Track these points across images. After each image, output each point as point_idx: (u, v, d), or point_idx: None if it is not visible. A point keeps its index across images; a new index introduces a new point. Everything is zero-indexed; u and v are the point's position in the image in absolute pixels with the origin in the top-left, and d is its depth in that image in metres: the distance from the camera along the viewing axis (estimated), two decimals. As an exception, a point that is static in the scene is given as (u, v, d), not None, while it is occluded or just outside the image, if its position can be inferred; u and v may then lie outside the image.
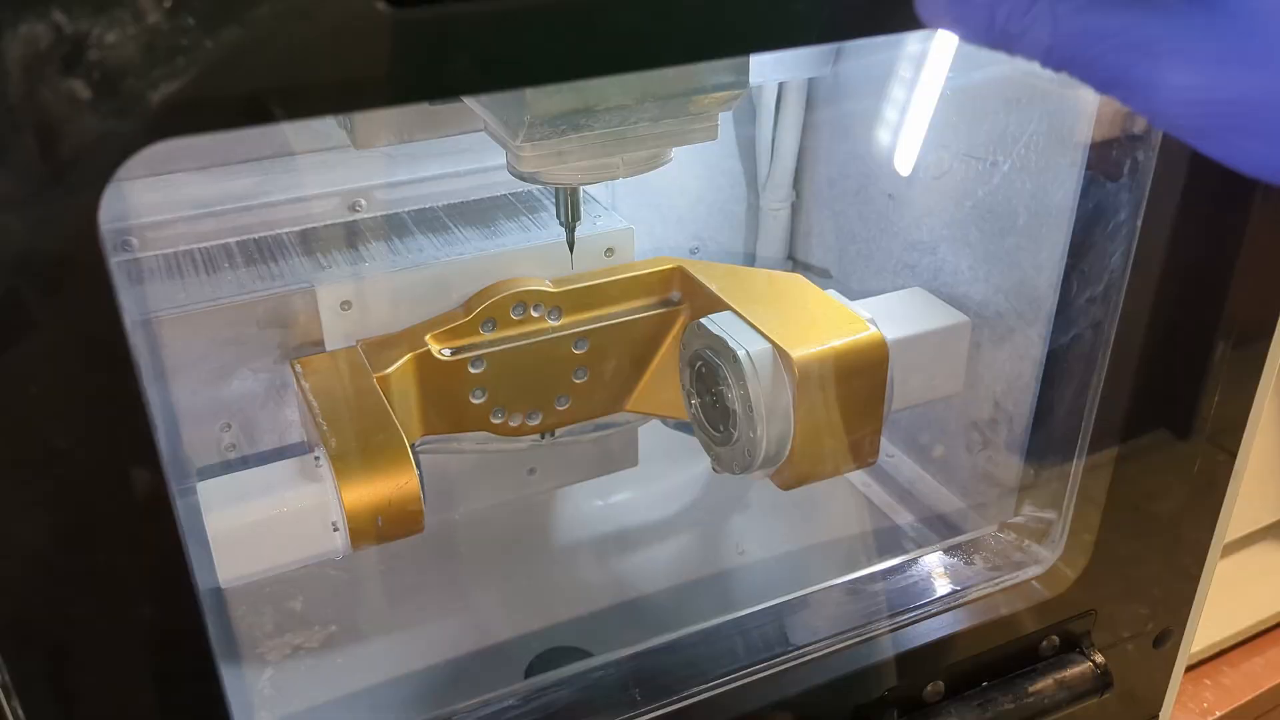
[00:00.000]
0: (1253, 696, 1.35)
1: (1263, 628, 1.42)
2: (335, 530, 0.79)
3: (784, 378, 0.88)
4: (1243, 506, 1.19)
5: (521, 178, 0.71)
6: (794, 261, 1.23)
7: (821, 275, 1.19)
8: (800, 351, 0.87)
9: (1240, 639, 1.41)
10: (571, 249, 0.81)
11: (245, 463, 0.95)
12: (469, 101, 0.71)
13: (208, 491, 0.78)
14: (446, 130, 0.82)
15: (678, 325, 1.01)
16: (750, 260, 1.24)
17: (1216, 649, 1.39)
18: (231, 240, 0.97)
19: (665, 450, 1.16)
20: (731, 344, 0.88)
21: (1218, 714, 1.33)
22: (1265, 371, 0.75)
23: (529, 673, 1.07)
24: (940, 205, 1.00)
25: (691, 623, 1.03)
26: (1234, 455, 0.69)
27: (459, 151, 1.04)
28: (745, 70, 0.66)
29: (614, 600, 1.15)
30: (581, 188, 0.83)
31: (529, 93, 0.60)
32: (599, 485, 1.18)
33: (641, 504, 1.20)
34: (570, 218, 0.78)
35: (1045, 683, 0.68)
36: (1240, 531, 1.43)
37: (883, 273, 1.10)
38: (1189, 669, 1.35)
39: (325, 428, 0.81)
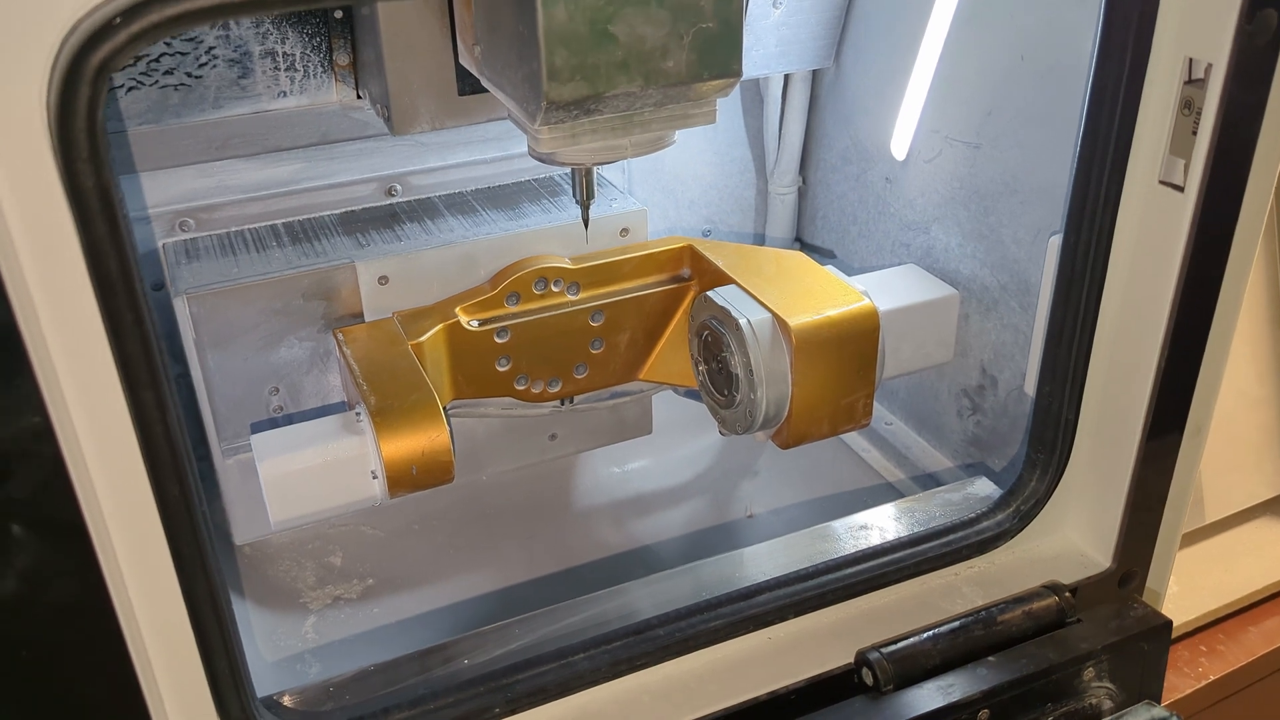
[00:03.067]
0: (1246, 663, 1.42)
1: (1257, 599, 1.49)
2: (374, 478, 0.87)
3: (783, 344, 0.96)
4: (1240, 482, 1.25)
5: (540, 159, 0.80)
6: (801, 243, 1.31)
7: (826, 255, 1.26)
8: (798, 320, 0.94)
9: (1235, 609, 1.48)
10: (586, 225, 0.89)
11: (291, 421, 1.04)
12: (494, 90, 0.79)
13: (260, 442, 0.87)
14: (475, 118, 0.90)
15: (688, 299, 1.09)
16: (760, 241, 1.32)
17: (1212, 618, 1.46)
18: (279, 222, 1.06)
19: (679, 419, 1.24)
20: (734, 313, 0.96)
21: (1212, 678, 1.40)
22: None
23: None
24: (932, 187, 1.07)
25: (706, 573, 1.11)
26: (1188, 407, 0.76)
27: (485, 140, 1.12)
28: (739, 59, 0.74)
29: (630, 559, 1.22)
30: (597, 172, 0.91)
31: (545, 81, 0.68)
32: (615, 453, 1.26)
33: (656, 471, 1.28)
34: (585, 196, 0.87)
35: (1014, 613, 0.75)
36: (1237, 507, 1.49)
37: (881, 251, 1.17)
38: (1185, 636, 1.42)
39: (365, 387, 0.90)
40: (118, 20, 0.40)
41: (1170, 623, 0.79)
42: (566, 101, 0.70)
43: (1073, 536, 0.80)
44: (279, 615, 1.09)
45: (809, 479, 1.24)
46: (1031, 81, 0.92)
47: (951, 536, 0.77)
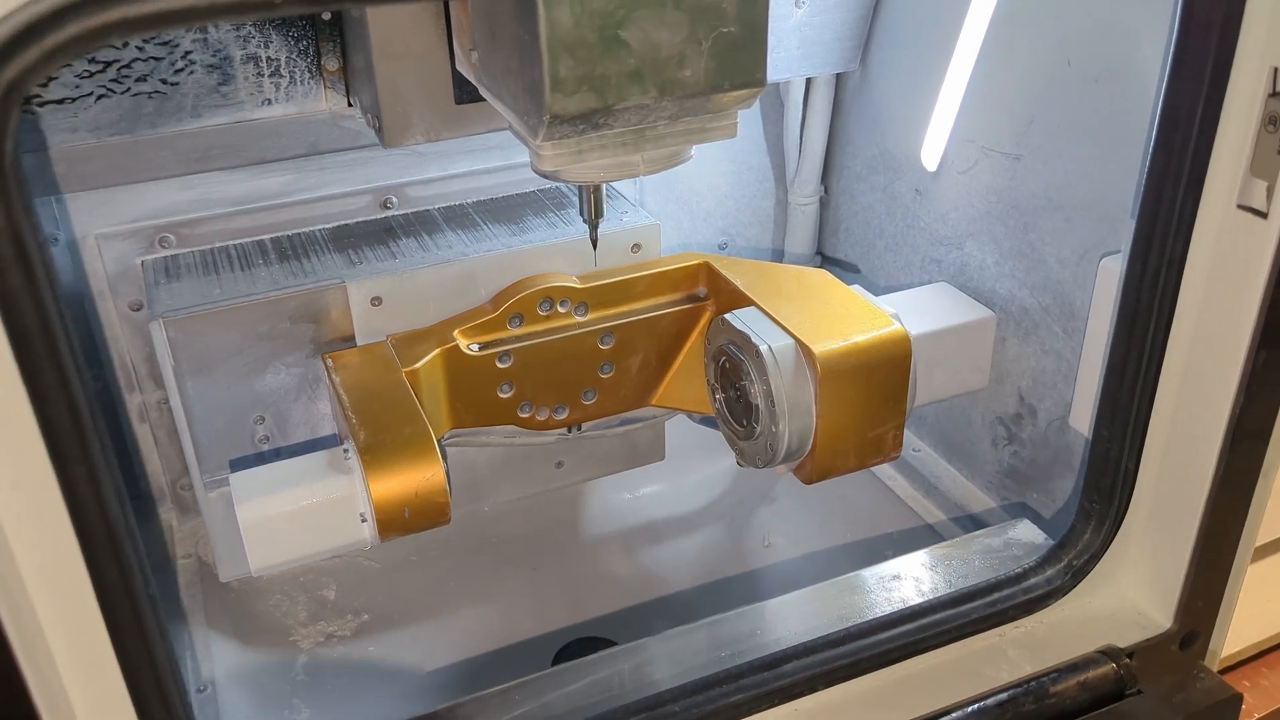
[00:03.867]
0: (1293, 698, 1.34)
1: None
2: (364, 521, 0.80)
3: (806, 373, 0.88)
4: None
5: (544, 175, 0.73)
6: (823, 257, 1.23)
7: (850, 270, 1.19)
8: (823, 346, 0.87)
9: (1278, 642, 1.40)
10: (595, 246, 0.82)
11: (278, 454, 0.97)
12: (492, 100, 0.72)
13: (240, 482, 0.80)
14: (473, 129, 0.83)
15: (703, 320, 1.02)
16: (779, 256, 1.25)
17: (1255, 650, 1.38)
18: (266, 237, 1.00)
19: (692, 444, 1.17)
20: (754, 339, 0.89)
21: (1256, 716, 1.32)
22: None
23: (556, 662, 1.09)
24: (967, 200, 1.00)
25: (721, 607, 1.04)
26: (1263, 456, 0.69)
27: (488, 149, 1.05)
28: (763, 66, 0.67)
29: (642, 592, 1.15)
30: (606, 185, 0.84)
31: (548, 92, 0.61)
32: (626, 478, 1.19)
33: (669, 497, 1.21)
34: (593, 215, 0.79)
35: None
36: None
37: (910, 267, 1.10)
38: (1227, 670, 1.34)
39: (354, 420, 0.83)
40: (27, 35, 0.33)
41: (1240, 696, 0.71)
42: (572, 115, 0.62)
43: (1130, 594, 0.73)
44: (267, 654, 1.02)
45: (830, 506, 1.17)
46: (1079, 88, 0.84)
47: (997, 595, 0.69)
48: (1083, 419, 0.86)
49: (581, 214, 0.80)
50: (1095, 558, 0.70)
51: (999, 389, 1.00)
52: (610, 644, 1.12)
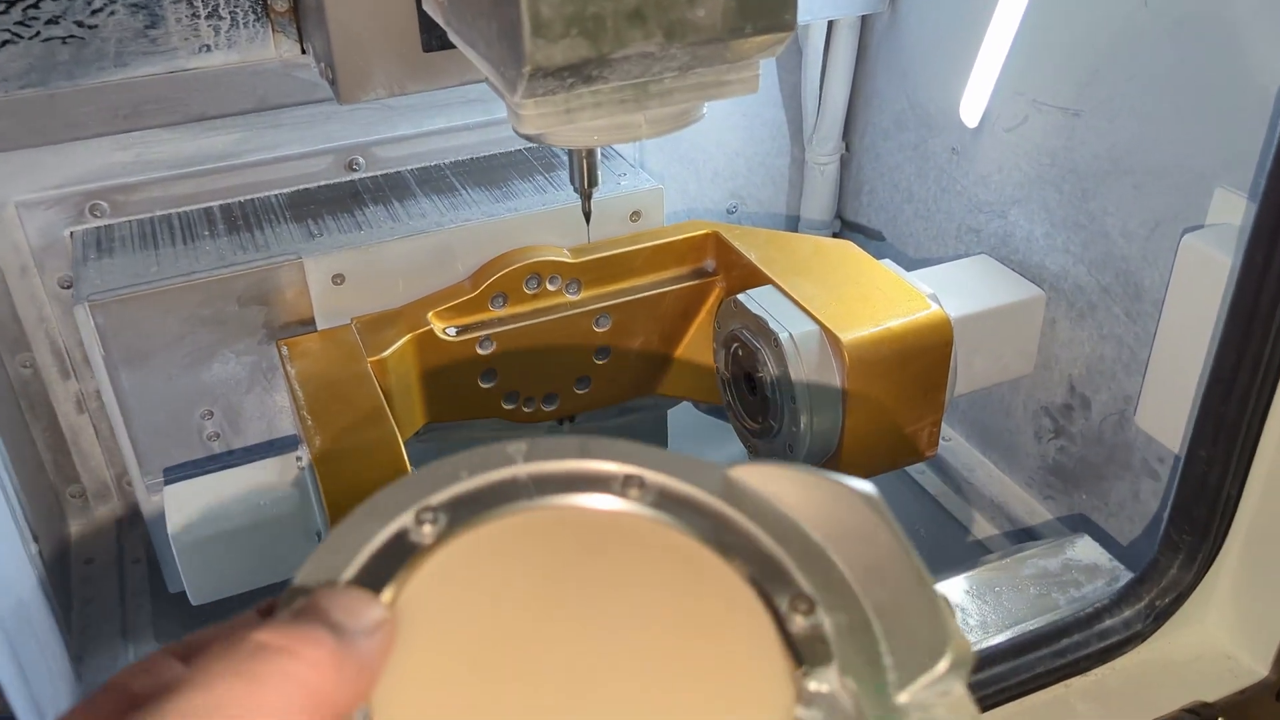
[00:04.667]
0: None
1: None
2: (319, 541, 0.69)
3: (833, 364, 0.77)
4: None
5: (527, 139, 0.60)
6: (843, 222, 1.11)
7: (874, 238, 1.07)
8: (852, 334, 0.76)
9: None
10: (588, 219, 0.70)
11: (231, 454, 0.85)
12: (464, 48, 0.60)
13: (174, 496, 0.69)
14: (444, 81, 0.70)
15: (712, 298, 0.90)
16: (794, 221, 1.12)
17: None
18: (214, 204, 0.87)
19: (698, 434, 1.06)
20: (773, 325, 0.77)
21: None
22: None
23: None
24: (1013, 161, 0.88)
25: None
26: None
27: (467, 103, 0.92)
28: (793, 6, 0.54)
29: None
30: (601, 148, 0.72)
31: (528, 38, 0.49)
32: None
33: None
34: (585, 183, 0.67)
35: None
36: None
37: (943, 237, 0.98)
38: None
39: (309, 421, 0.71)
40: None
41: (1352, 759, 0.61)
42: (558, 66, 0.50)
43: (1220, 637, 0.62)
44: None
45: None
46: (1156, 35, 0.72)
47: (1066, 641, 0.58)
48: (1154, 420, 0.75)
49: (572, 182, 0.68)
50: (1183, 597, 0.59)
51: (1046, 375, 0.89)
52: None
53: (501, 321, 0.84)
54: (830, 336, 0.76)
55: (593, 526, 0.33)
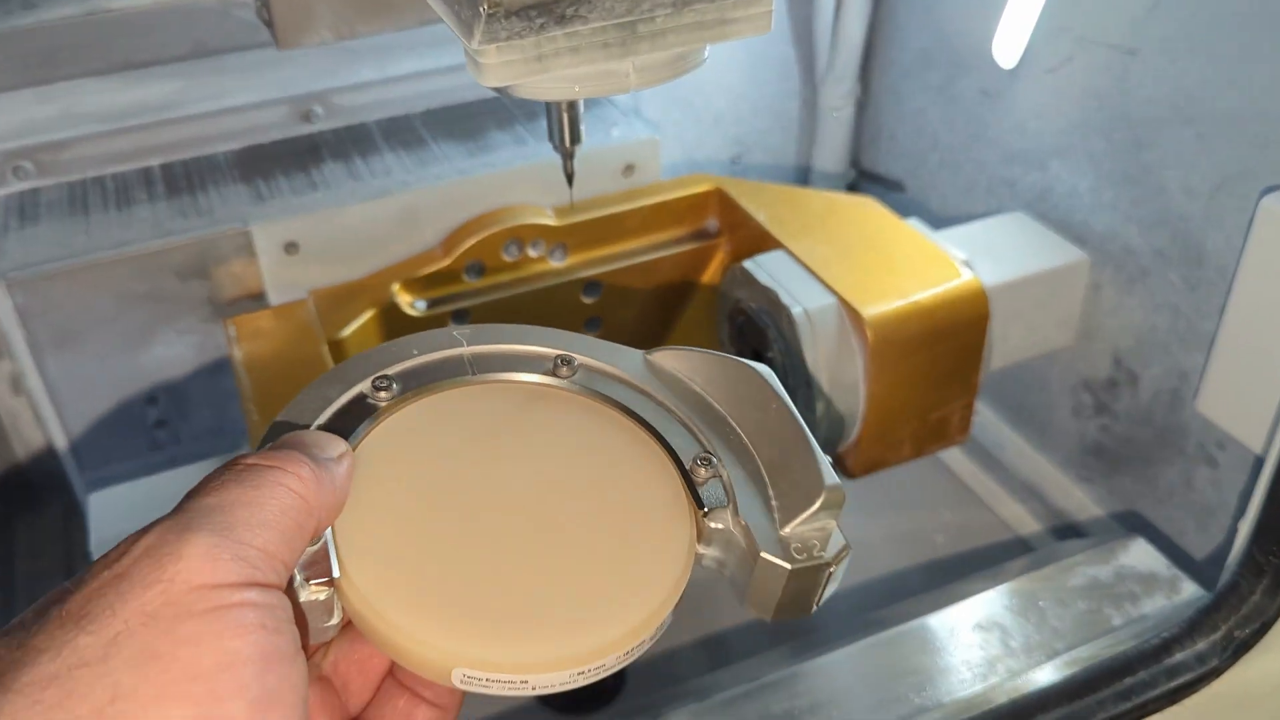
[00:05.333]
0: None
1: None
2: (268, 555, 0.61)
3: (853, 342, 0.68)
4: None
5: (495, 90, 0.51)
6: (859, 171, 1.01)
7: (894, 190, 0.97)
8: (875, 308, 0.67)
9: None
10: (570, 180, 0.61)
11: (179, 442, 0.77)
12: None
13: (100, 507, 0.60)
14: (400, 22, 0.60)
15: (715, 263, 0.81)
16: (805, 171, 1.02)
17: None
18: (154, 163, 0.78)
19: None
20: (784, 297, 0.68)
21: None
22: None
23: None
24: (1055, 106, 0.78)
25: (738, 610, 0.85)
26: None
27: (438, 44, 0.82)
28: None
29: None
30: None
31: (484, -32, 0.39)
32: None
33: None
34: (566, 140, 0.58)
35: None
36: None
37: (973, 189, 0.88)
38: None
39: (254, 415, 0.63)
40: None
41: None
42: (523, 4, 0.41)
43: (1307, 669, 0.54)
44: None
45: (864, 479, 0.98)
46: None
47: (1131, 680, 0.50)
48: (1220, 406, 0.66)
49: (551, 139, 0.58)
50: (1267, 625, 0.50)
51: (1087, 347, 0.80)
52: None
53: (477, 293, 0.75)
54: (850, 311, 0.67)
55: (526, 395, 0.38)
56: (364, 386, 0.36)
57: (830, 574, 0.35)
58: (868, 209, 0.76)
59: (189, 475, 0.69)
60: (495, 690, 0.32)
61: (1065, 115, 0.77)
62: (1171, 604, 0.59)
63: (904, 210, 0.83)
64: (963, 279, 0.69)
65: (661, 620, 0.33)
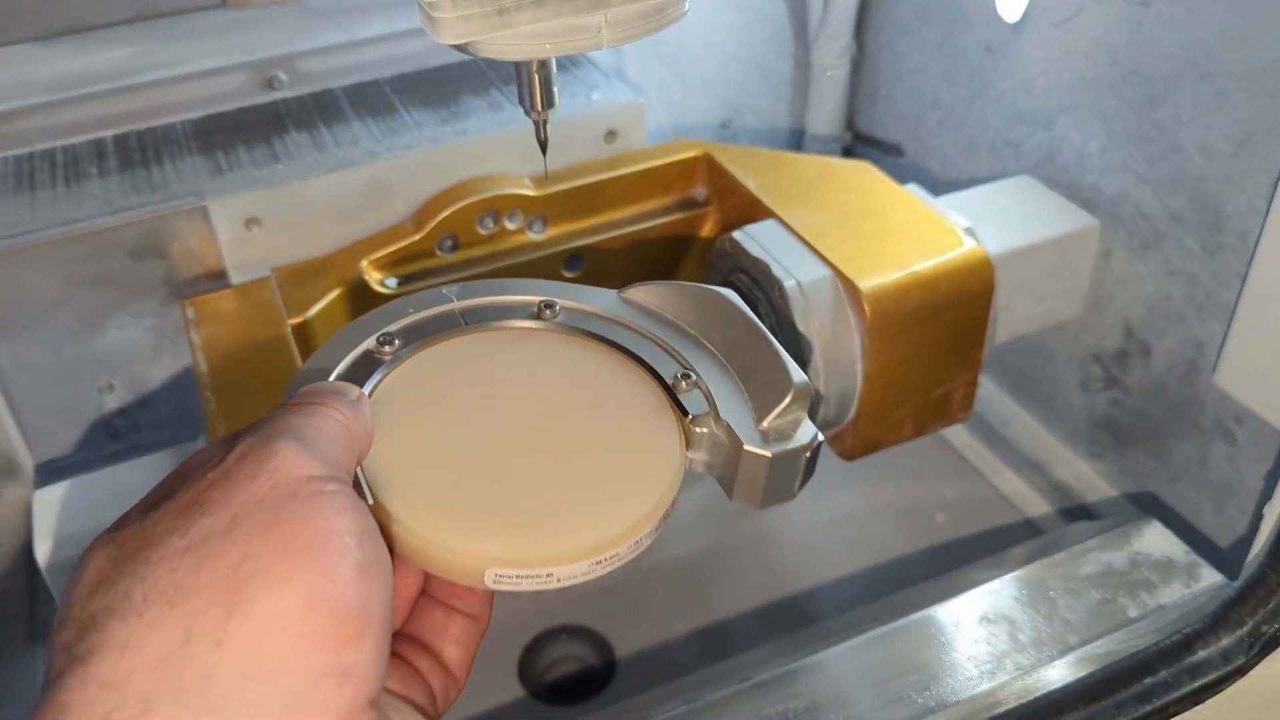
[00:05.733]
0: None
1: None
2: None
3: (850, 316, 0.64)
4: None
5: (457, 48, 0.46)
6: (855, 135, 0.97)
7: (892, 154, 0.92)
8: (872, 280, 0.62)
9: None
10: (544, 148, 0.56)
11: (139, 430, 0.73)
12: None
13: (45, 503, 0.56)
14: (357, -25, 0.56)
15: (703, 233, 0.76)
16: (798, 135, 0.98)
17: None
18: (107, 134, 0.73)
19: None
20: (776, 269, 0.64)
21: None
22: None
23: (526, 658, 0.88)
24: (1063, 61, 0.73)
25: (732, 593, 0.82)
26: None
27: (410, 3, 0.77)
28: None
29: (627, 564, 0.93)
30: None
31: (431, -91, 0.35)
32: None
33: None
34: (538, 104, 0.53)
35: None
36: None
37: (975, 152, 0.83)
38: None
39: (213, 405, 0.59)
40: None
41: None
42: (477, -51, 0.36)
43: (1339, 664, 0.51)
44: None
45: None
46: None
47: (1151, 680, 0.46)
48: (1242, 381, 0.62)
49: (522, 104, 0.54)
50: (1295, 621, 0.47)
51: (1098, 317, 0.76)
52: (592, 633, 0.90)
53: (452, 268, 0.71)
54: (846, 283, 0.63)
55: (517, 338, 0.42)
56: (370, 344, 0.40)
57: (807, 459, 0.39)
58: (864, 174, 0.72)
59: (152, 465, 0.65)
60: (524, 586, 0.35)
61: (1074, 71, 0.72)
62: (1190, 593, 0.55)
63: (902, 175, 0.79)
64: (965, 248, 0.65)
65: (663, 513, 0.37)
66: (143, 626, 0.27)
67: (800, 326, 0.63)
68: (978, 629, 0.55)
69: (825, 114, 0.94)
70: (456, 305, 0.42)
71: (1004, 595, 0.57)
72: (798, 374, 0.39)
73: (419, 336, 0.41)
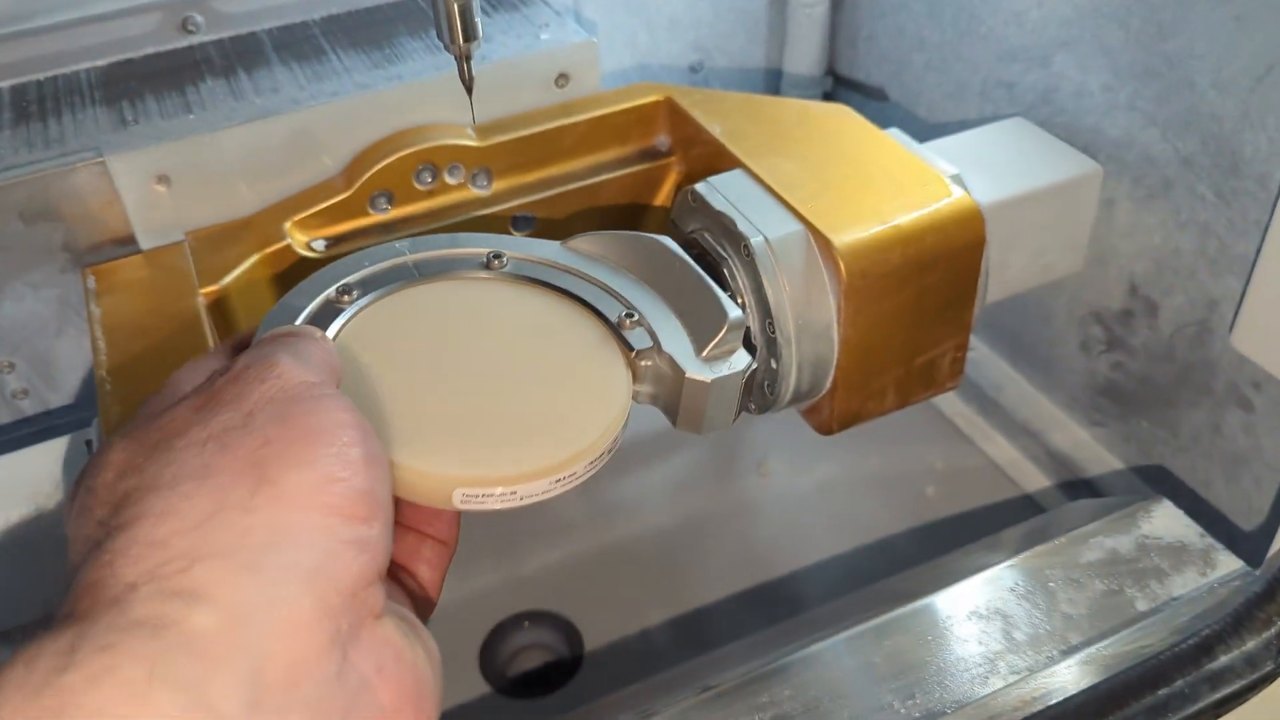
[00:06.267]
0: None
1: None
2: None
3: (824, 276, 0.57)
4: None
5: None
6: (835, 78, 0.89)
7: (875, 98, 0.85)
8: (849, 235, 0.56)
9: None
10: (469, 89, 0.49)
11: (49, 414, 0.66)
12: None
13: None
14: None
15: (666, 187, 0.70)
16: (775, 78, 0.90)
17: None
18: (2, 85, 0.66)
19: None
20: (741, 225, 0.57)
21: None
22: None
23: (488, 644, 0.82)
24: (1060, -10, 0.66)
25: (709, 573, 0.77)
26: None
27: (338, -66, 0.70)
28: None
29: (598, 538, 0.88)
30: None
31: None
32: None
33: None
34: (457, 34, 0.46)
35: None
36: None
37: (965, 94, 0.76)
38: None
39: (109, 387, 0.52)
40: None
41: None
42: None
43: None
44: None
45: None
46: None
47: (1165, 691, 0.40)
48: (1261, 343, 0.55)
49: (440, 36, 0.47)
50: (1332, 621, 0.41)
51: (1099, 273, 0.69)
52: (559, 619, 0.85)
53: (386, 228, 0.64)
54: (820, 239, 0.56)
55: (470, 286, 0.45)
56: (330, 294, 0.42)
57: (743, 384, 0.46)
58: (842, 119, 0.65)
59: (67, 448, 0.58)
60: (490, 505, 0.38)
61: (1072, 1, 0.65)
62: (1207, 582, 0.49)
63: (886, 121, 0.72)
64: (953, 198, 0.58)
65: (614, 437, 0.41)
66: (176, 498, 0.29)
67: (769, 287, 0.56)
68: (969, 625, 0.49)
69: (804, 56, 0.87)
70: (409, 258, 0.45)
71: (998, 586, 0.51)
72: (732, 308, 0.46)
73: (375, 285, 0.43)
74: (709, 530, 0.89)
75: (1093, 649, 0.46)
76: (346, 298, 0.42)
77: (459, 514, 0.40)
